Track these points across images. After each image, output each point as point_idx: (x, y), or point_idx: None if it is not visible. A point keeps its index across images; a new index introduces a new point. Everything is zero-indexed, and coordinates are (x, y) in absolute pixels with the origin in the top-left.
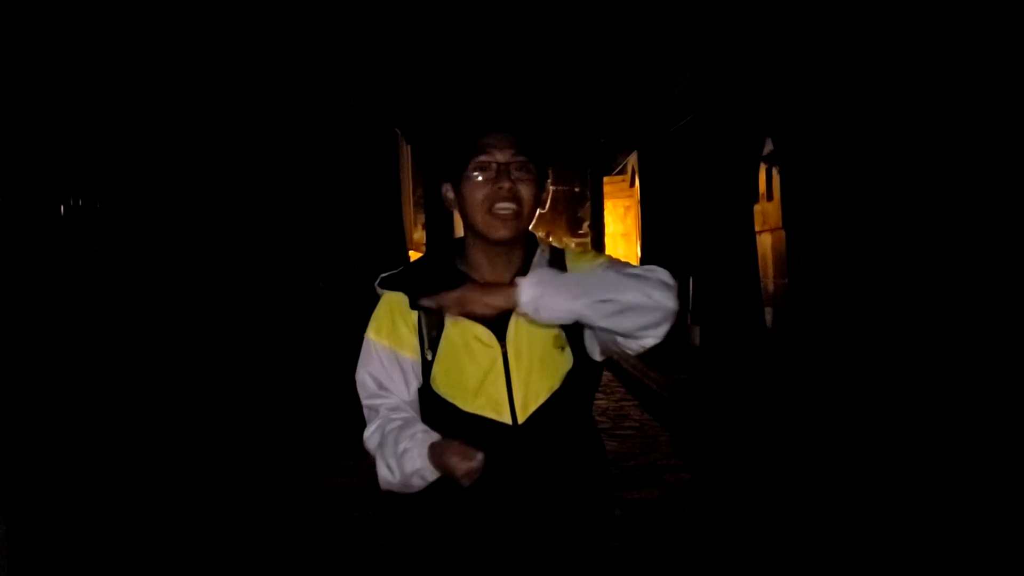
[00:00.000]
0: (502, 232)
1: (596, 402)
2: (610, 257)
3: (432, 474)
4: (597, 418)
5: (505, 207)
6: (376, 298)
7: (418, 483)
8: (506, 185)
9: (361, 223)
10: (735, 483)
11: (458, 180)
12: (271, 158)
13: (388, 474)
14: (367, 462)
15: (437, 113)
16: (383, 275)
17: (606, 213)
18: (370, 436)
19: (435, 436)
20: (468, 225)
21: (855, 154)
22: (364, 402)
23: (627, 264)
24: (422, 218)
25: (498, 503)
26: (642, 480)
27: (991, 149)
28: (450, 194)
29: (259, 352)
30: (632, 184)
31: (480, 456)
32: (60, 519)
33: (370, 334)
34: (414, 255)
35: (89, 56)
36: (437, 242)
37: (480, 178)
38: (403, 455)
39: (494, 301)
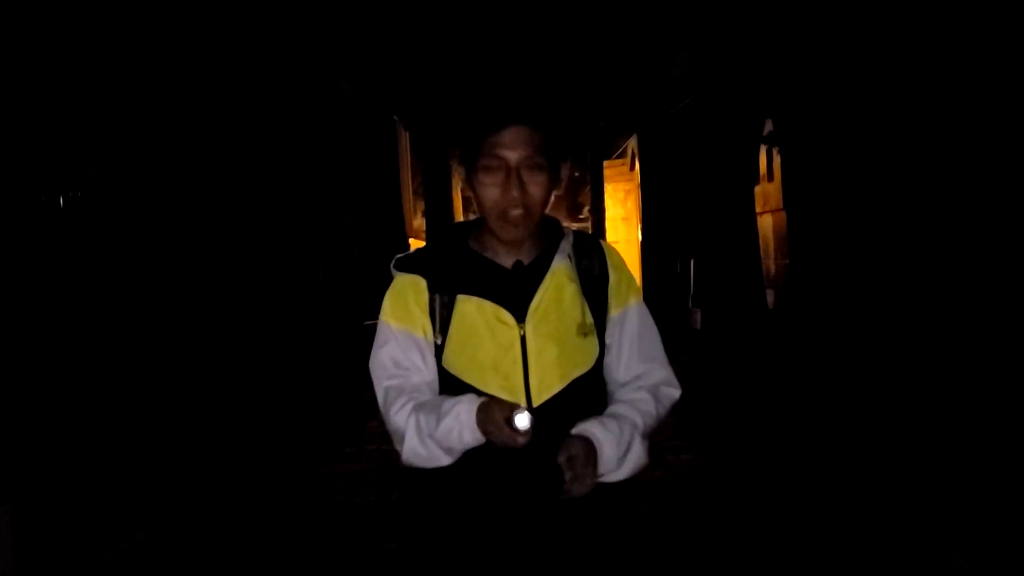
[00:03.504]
0: (513, 234)
1: None
2: (639, 301)
3: (471, 435)
4: None
5: (515, 213)
6: (386, 283)
7: (454, 444)
8: (516, 193)
9: (360, 211)
10: (737, 464)
11: (469, 171)
12: (269, 146)
13: (418, 445)
14: (368, 448)
15: (445, 98)
16: (398, 256)
17: (606, 197)
18: (398, 411)
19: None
20: (481, 213)
21: (856, 134)
22: (383, 383)
23: (655, 335)
24: (421, 205)
25: (509, 488)
26: None
27: (1000, 127)
28: (463, 178)
29: (260, 341)
30: (632, 168)
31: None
32: (63, 505)
33: (385, 317)
34: (414, 243)
35: (86, 46)
36: (444, 226)
37: (491, 179)
38: (446, 412)
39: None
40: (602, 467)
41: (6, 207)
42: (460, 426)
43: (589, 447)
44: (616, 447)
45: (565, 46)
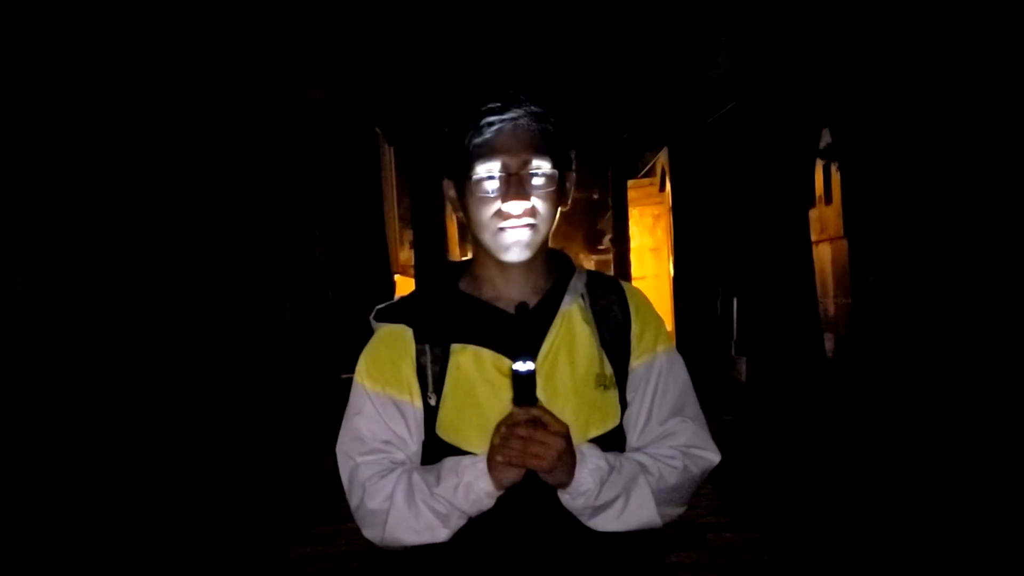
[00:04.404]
0: (516, 255)
1: None
2: (669, 348)
3: (485, 484)
4: None
5: (519, 231)
6: (368, 327)
7: (459, 504)
8: (520, 204)
9: (336, 243)
10: (791, 546)
11: (460, 182)
12: (223, 166)
13: (406, 511)
14: (348, 528)
15: (438, 105)
16: (379, 307)
17: (631, 224)
18: (376, 489)
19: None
20: (474, 238)
21: (931, 146)
22: (356, 458)
23: (688, 390)
24: (410, 235)
25: (520, 566)
26: (680, 541)
27: None
28: (451, 192)
29: (216, 399)
30: (662, 188)
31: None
32: None
33: (360, 378)
34: (401, 281)
35: (33, 62)
36: (435, 263)
37: (488, 191)
38: (447, 469)
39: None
40: (574, 487)
41: None
42: (467, 479)
43: (569, 445)
44: (601, 472)
45: (581, 43)
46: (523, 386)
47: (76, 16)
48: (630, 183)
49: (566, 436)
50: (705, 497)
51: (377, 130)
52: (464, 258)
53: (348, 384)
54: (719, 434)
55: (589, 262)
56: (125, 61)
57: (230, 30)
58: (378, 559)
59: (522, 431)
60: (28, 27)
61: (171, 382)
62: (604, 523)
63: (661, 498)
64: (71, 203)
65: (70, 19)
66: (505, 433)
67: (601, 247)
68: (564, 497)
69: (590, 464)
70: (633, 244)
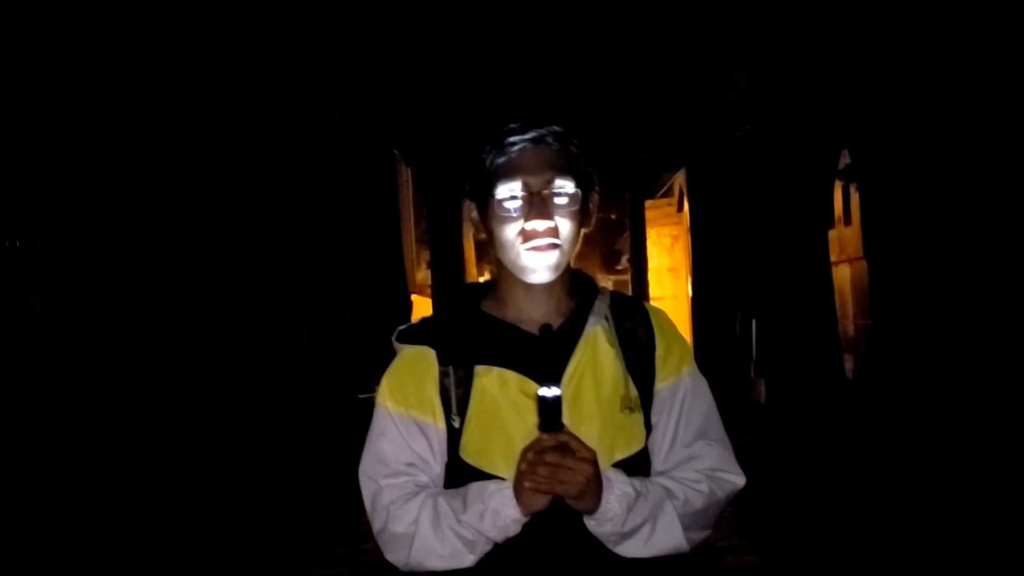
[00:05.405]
0: (540, 275)
1: None
2: (693, 370)
3: (512, 511)
4: None
5: (545, 255)
6: (385, 347)
7: (486, 531)
8: (543, 223)
9: (353, 263)
10: (808, 570)
11: (483, 202)
12: (241, 187)
13: (432, 537)
14: (366, 549)
15: (455, 126)
16: (400, 328)
17: (649, 244)
18: (401, 512)
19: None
20: (497, 258)
21: (950, 166)
22: (380, 481)
23: (712, 412)
24: (426, 255)
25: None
26: (699, 564)
27: None
28: (474, 214)
29: (233, 419)
30: (680, 208)
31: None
32: None
33: (383, 400)
34: (418, 301)
35: (25, 78)
36: (453, 285)
37: (510, 210)
38: (473, 495)
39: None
40: (600, 513)
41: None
42: (494, 505)
43: (597, 471)
44: (627, 498)
45: (600, 63)
46: (549, 412)
47: (96, 40)
48: (648, 203)
49: (594, 462)
50: (725, 520)
51: (394, 151)
52: (483, 278)
53: (365, 404)
54: (738, 456)
55: (607, 282)
56: (143, 84)
57: (247, 52)
58: None
59: (550, 457)
60: (50, 51)
61: (189, 402)
62: (631, 549)
63: (687, 522)
64: (91, 224)
65: (91, 43)
66: (532, 459)
67: (619, 267)
68: (590, 523)
69: (617, 490)
70: (651, 264)
